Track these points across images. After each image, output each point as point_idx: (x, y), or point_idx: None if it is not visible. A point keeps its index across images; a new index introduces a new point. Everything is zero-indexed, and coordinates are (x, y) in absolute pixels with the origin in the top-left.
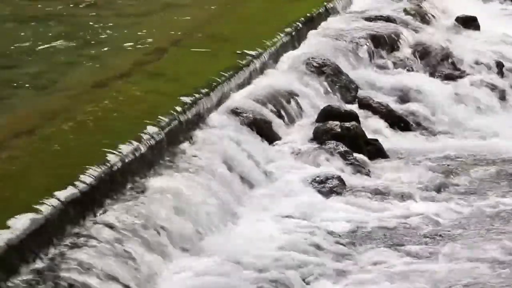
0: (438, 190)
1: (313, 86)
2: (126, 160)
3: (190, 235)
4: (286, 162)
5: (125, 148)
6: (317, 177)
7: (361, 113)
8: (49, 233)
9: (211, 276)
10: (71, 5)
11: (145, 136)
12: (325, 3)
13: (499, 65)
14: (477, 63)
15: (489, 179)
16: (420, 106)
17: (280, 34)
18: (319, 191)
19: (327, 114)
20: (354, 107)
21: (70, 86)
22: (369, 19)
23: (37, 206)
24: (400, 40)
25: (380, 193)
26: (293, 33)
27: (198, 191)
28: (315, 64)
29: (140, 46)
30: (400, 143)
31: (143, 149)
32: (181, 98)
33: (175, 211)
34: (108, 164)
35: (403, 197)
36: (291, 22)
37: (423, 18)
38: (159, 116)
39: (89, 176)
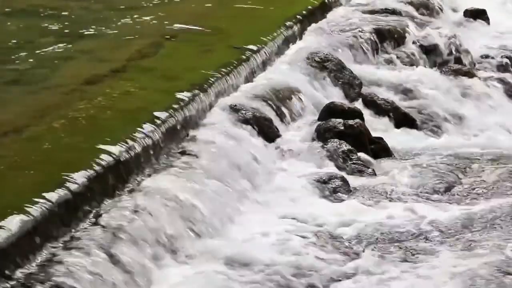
0: (446, 190)
1: (315, 82)
2: (120, 160)
3: (187, 237)
4: (287, 161)
5: (119, 147)
6: (320, 177)
7: (365, 110)
8: (39, 236)
9: (209, 279)
10: None
11: (140, 135)
12: None
13: (510, 60)
14: (486, 58)
15: (499, 179)
16: (426, 103)
17: (281, 28)
18: (322, 192)
19: (330, 111)
20: (358, 104)
21: (61, 82)
22: (373, 12)
23: (27, 208)
24: (406, 34)
25: (385, 194)
26: (294, 27)
27: (195, 191)
28: (317, 59)
29: (134, 40)
30: (406, 142)
31: (137, 148)
32: (178, 94)
33: (172, 212)
34: (101, 164)
35: (409, 197)
36: (292, 15)
37: (430, 11)
38: (154, 114)
39: (81, 176)
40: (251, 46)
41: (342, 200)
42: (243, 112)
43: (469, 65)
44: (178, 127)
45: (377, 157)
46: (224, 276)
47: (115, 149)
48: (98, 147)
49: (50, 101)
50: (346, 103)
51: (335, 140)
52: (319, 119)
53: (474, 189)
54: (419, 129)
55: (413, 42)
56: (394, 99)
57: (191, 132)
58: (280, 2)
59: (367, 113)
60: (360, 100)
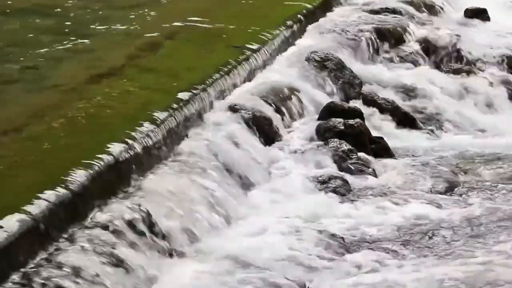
0: (446, 190)
1: (315, 81)
2: (120, 160)
3: (186, 237)
4: (286, 161)
5: (119, 147)
6: (320, 177)
7: (365, 109)
8: (38, 236)
9: (209, 279)
10: None
11: (139, 135)
12: None
13: (510, 60)
14: (487, 57)
15: (499, 179)
16: (427, 102)
17: (281, 27)
18: (322, 192)
19: (330, 111)
20: (358, 104)
21: (60, 82)
22: (374, 11)
23: (26, 208)
24: (406, 33)
25: (385, 194)
26: (294, 26)
27: (195, 192)
28: (317, 58)
29: (133, 39)
30: (406, 141)
31: (137, 147)
32: (177, 94)
33: (172, 212)
34: (100, 163)
35: (410, 197)
36: (292, 14)
37: (431, 10)
38: (154, 113)
39: (81, 176)
40: (251, 45)
41: (342, 200)
42: (243, 111)
43: (469, 64)
44: (178, 126)
45: (377, 157)
46: (223, 276)
47: (115, 149)
48: (98, 146)
49: (50, 100)
50: (346, 102)
51: (335, 139)
52: (319, 119)
53: (475, 189)
54: (420, 128)
55: (414, 42)
56: (395, 99)
57: (191, 132)
58: (279, 1)
59: (367, 113)
60: (361, 99)
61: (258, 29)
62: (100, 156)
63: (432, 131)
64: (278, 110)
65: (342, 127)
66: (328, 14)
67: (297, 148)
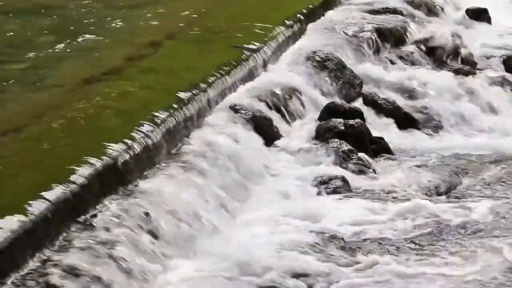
0: (446, 190)
1: (316, 81)
2: (119, 160)
3: (185, 237)
4: (287, 161)
5: (118, 147)
6: (320, 177)
7: (366, 110)
8: (37, 236)
9: (207, 280)
10: None
11: (139, 135)
12: None
13: (510, 60)
14: (488, 58)
15: (499, 180)
16: (427, 102)
17: (281, 27)
18: (322, 192)
19: (330, 111)
20: (358, 104)
21: (60, 82)
22: (374, 11)
23: (25, 208)
24: (407, 34)
25: (385, 194)
26: (295, 26)
27: (194, 191)
28: (317, 58)
29: (133, 39)
30: (406, 142)
31: (137, 148)
32: (177, 94)
33: (171, 212)
34: (100, 164)
35: (410, 198)
36: (292, 14)
37: (431, 10)
38: (154, 113)
39: (80, 176)
40: (251, 46)
41: (342, 200)
42: (243, 112)
43: (470, 65)
44: (178, 127)
45: (377, 157)
46: (223, 275)
47: (114, 149)
48: (98, 146)
49: (50, 100)
50: (346, 103)
51: (336, 140)
52: (319, 119)
53: (475, 189)
54: (420, 128)
55: (414, 42)
56: (395, 99)
57: (191, 132)
58: (279, 1)
59: (367, 113)
60: (361, 99)
61: (258, 29)
62: (99, 156)
63: (432, 131)
64: (278, 110)
65: (343, 128)
66: (328, 13)
67: (297, 148)
